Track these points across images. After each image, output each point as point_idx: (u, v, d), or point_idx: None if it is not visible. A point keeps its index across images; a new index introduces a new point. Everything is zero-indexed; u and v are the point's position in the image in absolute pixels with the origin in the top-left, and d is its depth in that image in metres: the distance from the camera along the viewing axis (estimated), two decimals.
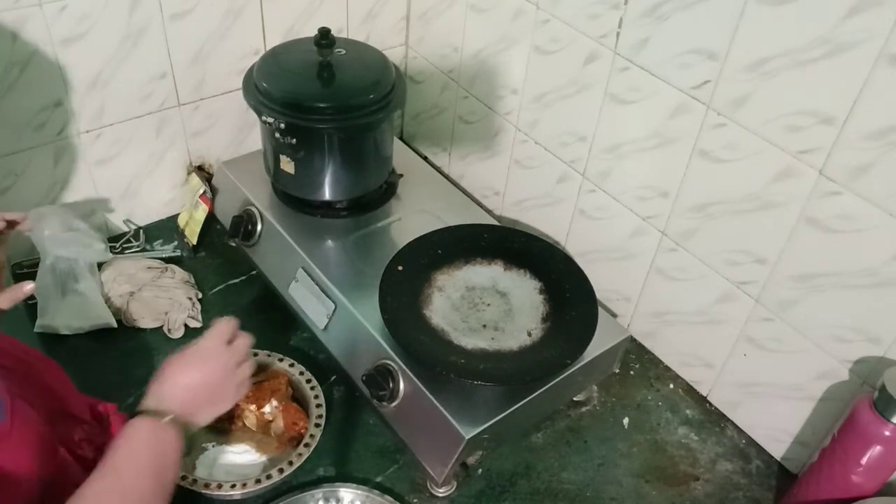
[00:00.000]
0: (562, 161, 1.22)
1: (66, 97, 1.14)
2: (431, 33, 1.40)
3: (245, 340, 0.84)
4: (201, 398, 0.77)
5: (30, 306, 1.14)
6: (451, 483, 1.00)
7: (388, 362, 0.99)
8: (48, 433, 0.75)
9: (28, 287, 0.82)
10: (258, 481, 0.93)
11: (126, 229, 1.33)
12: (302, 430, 1.01)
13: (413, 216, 1.22)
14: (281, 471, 0.94)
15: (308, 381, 1.05)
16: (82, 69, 1.13)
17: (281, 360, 1.07)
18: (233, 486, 0.92)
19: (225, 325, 0.83)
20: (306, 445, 0.97)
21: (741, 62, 0.90)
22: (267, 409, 1.02)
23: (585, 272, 1.08)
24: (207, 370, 0.78)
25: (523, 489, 1.02)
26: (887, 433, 0.83)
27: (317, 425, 1.00)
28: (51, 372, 0.85)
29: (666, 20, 0.97)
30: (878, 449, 0.85)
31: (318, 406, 1.02)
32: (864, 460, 0.86)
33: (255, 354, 1.07)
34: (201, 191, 1.29)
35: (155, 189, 1.33)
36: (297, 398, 1.05)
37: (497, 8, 1.22)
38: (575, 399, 1.13)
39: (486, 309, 1.04)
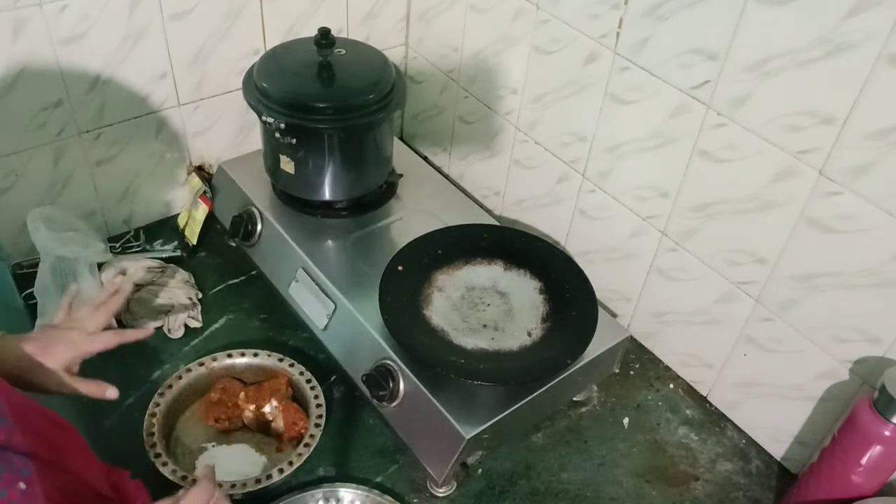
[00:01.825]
0: (562, 161, 1.22)
1: (66, 97, 1.14)
2: (431, 33, 1.40)
3: None
4: None
5: (30, 306, 1.13)
6: (451, 483, 1.00)
7: (388, 362, 0.99)
8: None
9: (112, 394, 0.85)
10: (258, 481, 0.93)
11: (126, 229, 1.33)
12: (302, 430, 1.01)
13: (413, 216, 1.22)
14: (281, 471, 0.94)
15: (308, 380, 1.05)
16: (82, 69, 1.13)
17: (281, 360, 1.07)
18: (233, 486, 0.92)
19: (199, 496, 0.71)
20: (306, 445, 0.97)
21: (741, 62, 0.90)
22: (267, 409, 1.03)
23: (585, 272, 1.08)
24: None
25: (523, 489, 1.02)
26: (887, 433, 0.83)
27: (317, 425, 1.00)
28: (72, 445, 0.77)
29: (666, 20, 0.97)
30: (878, 449, 0.85)
31: (318, 406, 1.02)
32: (864, 460, 0.86)
33: (256, 354, 1.08)
34: (201, 191, 1.29)
35: (155, 189, 1.33)
36: (297, 398, 1.05)
37: (497, 8, 1.22)
38: (575, 399, 1.13)
39: (486, 309, 1.04)
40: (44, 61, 1.09)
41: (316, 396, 1.03)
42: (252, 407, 1.02)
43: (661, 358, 1.21)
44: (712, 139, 0.97)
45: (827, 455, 0.91)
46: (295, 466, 0.95)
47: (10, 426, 0.65)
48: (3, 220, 1.18)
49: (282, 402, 1.03)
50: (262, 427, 1.03)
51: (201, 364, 1.05)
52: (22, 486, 0.62)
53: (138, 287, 1.18)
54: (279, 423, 1.02)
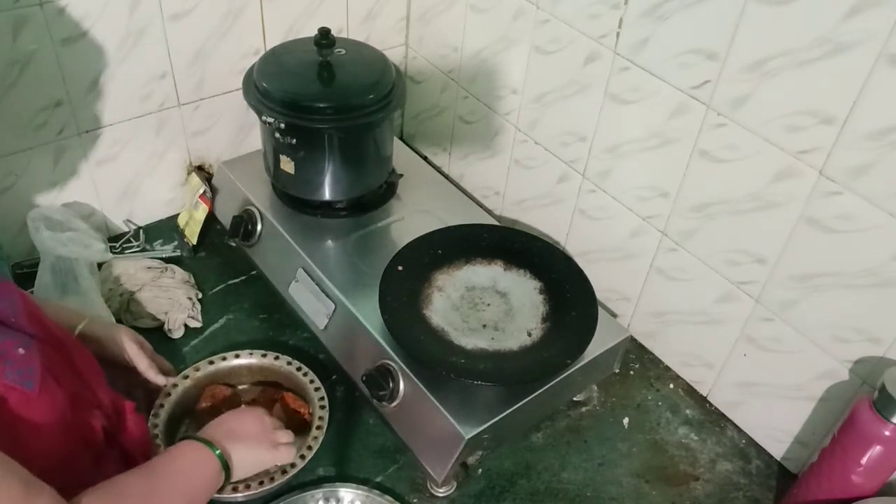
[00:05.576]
0: (562, 161, 1.22)
1: (66, 97, 1.14)
2: (431, 33, 1.40)
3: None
4: (239, 436, 0.87)
5: None
6: (451, 483, 1.00)
7: (388, 362, 0.99)
8: (69, 414, 0.76)
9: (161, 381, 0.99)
10: (261, 483, 0.92)
11: (126, 229, 1.33)
12: (306, 416, 1.00)
13: (413, 216, 1.22)
14: (287, 470, 0.94)
15: (312, 381, 1.04)
16: (82, 69, 1.13)
17: (277, 358, 1.07)
18: (245, 488, 0.91)
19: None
20: (309, 448, 0.97)
21: (741, 62, 0.90)
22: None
23: (585, 272, 1.08)
24: (247, 418, 0.91)
25: (523, 489, 1.02)
26: (887, 433, 0.83)
27: (318, 427, 0.99)
28: (83, 357, 0.86)
29: (666, 20, 0.97)
30: (878, 449, 0.85)
31: (322, 408, 1.01)
32: (864, 460, 0.86)
33: (264, 355, 1.07)
34: (201, 191, 1.29)
35: (155, 189, 1.33)
36: (300, 396, 1.05)
37: (497, 8, 1.22)
38: (575, 399, 1.13)
39: (486, 309, 1.04)
40: (44, 61, 1.09)
41: (321, 398, 1.02)
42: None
43: (661, 358, 1.21)
44: (712, 139, 0.97)
45: (827, 455, 0.91)
46: (299, 467, 0.95)
47: (20, 312, 0.74)
48: (3, 220, 1.18)
49: (280, 408, 1.03)
50: None
51: (197, 369, 1.04)
52: (21, 351, 0.71)
53: (138, 287, 1.18)
54: (280, 414, 1.02)
